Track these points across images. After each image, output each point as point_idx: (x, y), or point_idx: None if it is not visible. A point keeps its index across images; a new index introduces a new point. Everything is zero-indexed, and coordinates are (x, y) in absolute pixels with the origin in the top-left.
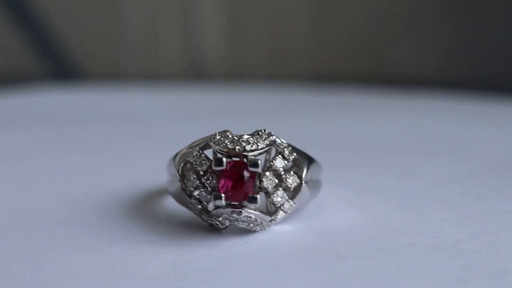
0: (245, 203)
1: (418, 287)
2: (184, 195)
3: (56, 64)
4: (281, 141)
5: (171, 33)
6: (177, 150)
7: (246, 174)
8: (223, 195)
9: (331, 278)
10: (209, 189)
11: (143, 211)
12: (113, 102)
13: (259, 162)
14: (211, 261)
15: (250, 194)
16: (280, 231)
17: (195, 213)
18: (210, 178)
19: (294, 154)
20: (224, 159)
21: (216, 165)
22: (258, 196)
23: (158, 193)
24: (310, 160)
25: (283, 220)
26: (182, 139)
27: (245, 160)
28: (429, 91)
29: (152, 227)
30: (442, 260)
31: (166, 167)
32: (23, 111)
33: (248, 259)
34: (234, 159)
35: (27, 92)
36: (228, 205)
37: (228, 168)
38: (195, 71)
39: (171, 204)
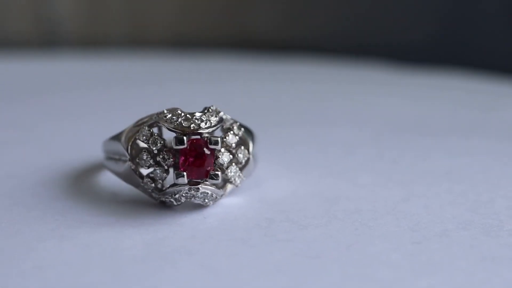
0: (207, 180)
1: (381, 251)
2: (133, 175)
3: None
4: (227, 117)
5: None
6: None
7: (206, 151)
8: (185, 173)
9: (301, 247)
10: (165, 167)
11: (84, 190)
12: None
13: (219, 139)
14: (180, 238)
15: (212, 171)
16: (230, 204)
17: (146, 192)
18: (166, 156)
19: (242, 129)
20: (185, 138)
21: (177, 144)
22: (219, 172)
23: (90, 171)
24: (252, 134)
25: (230, 193)
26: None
27: (201, 137)
28: (293, 56)
29: (101, 207)
30: (391, 224)
31: (103, 146)
32: None
33: (214, 233)
34: (193, 137)
35: None
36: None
37: (187, 146)
38: (47, 31)
39: (108, 181)
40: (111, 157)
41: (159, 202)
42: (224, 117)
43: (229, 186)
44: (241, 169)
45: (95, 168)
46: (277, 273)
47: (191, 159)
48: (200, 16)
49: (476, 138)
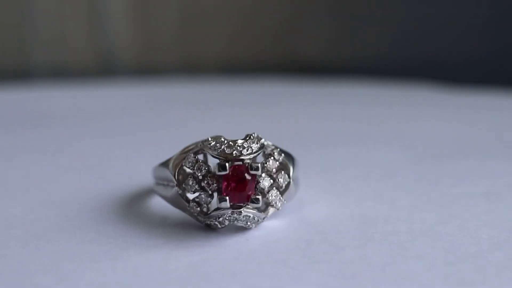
0: (248, 203)
1: (415, 271)
2: (180, 199)
3: None
4: (268, 143)
5: (78, 23)
6: None
7: (247, 177)
8: (227, 197)
9: (338, 268)
10: (210, 192)
11: (134, 214)
12: (23, 101)
13: (259, 165)
14: (224, 260)
15: (253, 196)
16: (271, 227)
17: (192, 215)
18: (210, 182)
19: (282, 154)
20: (227, 164)
21: (220, 170)
22: (260, 196)
23: (141, 196)
24: (293, 159)
25: (271, 216)
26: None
27: (243, 163)
28: (340, 78)
29: (151, 230)
30: (426, 245)
31: (152, 172)
32: None
33: (256, 255)
34: (236, 163)
35: None
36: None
37: (229, 172)
38: (104, 60)
39: (158, 206)
40: (160, 182)
41: (205, 225)
42: (265, 143)
43: (270, 210)
44: (282, 193)
45: (146, 193)
46: None
47: (233, 184)
48: (250, 41)
49: None
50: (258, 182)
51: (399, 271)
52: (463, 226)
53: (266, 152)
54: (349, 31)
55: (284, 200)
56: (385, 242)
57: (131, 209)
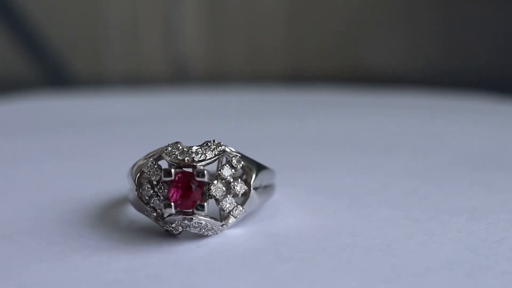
0: (193, 210)
1: (348, 286)
2: (141, 203)
3: (46, 69)
4: (231, 150)
5: (152, 34)
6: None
7: (193, 183)
8: (172, 203)
9: (267, 280)
10: (162, 197)
11: (106, 218)
12: (97, 107)
13: (205, 172)
14: (162, 266)
15: (198, 202)
16: (232, 235)
17: (152, 220)
18: (162, 187)
19: (242, 162)
20: (173, 170)
21: (165, 176)
22: (206, 203)
23: (122, 200)
24: (259, 168)
25: (236, 224)
26: (162, 143)
27: (192, 170)
28: (405, 89)
29: (112, 234)
30: (376, 261)
31: (126, 176)
32: (7, 118)
33: (196, 263)
34: (185, 169)
35: (12, 99)
36: (179, 213)
37: (177, 178)
38: (177, 70)
39: (132, 211)
40: (129, 186)
41: (165, 230)
42: (227, 150)
43: (231, 219)
44: (242, 202)
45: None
46: None
47: (179, 191)
48: (316, 51)
49: None
50: (209, 189)
51: (325, 287)
52: (426, 243)
53: (226, 160)
54: (416, 41)
55: (243, 209)
56: (334, 256)
57: (108, 213)
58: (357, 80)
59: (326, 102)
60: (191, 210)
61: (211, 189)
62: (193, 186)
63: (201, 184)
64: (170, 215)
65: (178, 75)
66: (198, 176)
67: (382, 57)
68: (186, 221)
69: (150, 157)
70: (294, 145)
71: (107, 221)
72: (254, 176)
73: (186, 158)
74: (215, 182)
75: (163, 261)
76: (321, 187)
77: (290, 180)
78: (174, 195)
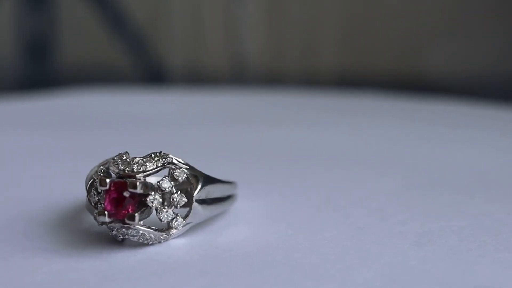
0: (126, 220)
1: None
2: (91, 207)
3: (144, 64)
4: (178, 162)
5: (214, 30)
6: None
7: (125, 194)
8: (106, 212)
9: None
10: (103, 205)
11: (72, 221)
12: (157, 103)
13: (138, 183)
14: (89, 271)
15: (129, 212)
16: (173, 245)
17: (99, 225)
18: (104, 196)
19: (185, 174)
20: (108, 180)
21: (100, 185)
22: (137, 214)
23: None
24: (206, 180)
25: (182, 234)
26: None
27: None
28: (460, 98)
29: (67, 236)
30: (291, 282)
31: None
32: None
33: (122, 271)
34: (127, 180)
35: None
36: (117, 221)
37: (112, 188)
38: (236, 64)
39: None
40: None
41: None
42: (174, 161)
43: (174, 230)
44: (185, 216)
45: None
46: None
47: (113, 201)
48: (375, 54)
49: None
50: (146, 200)
51: None
52: (350, 267)
53: (169, 171)
54: (479, 47)
55: (184, 220)
56: (253, 274)
57: (75, 215)
58: (412, 87)
59: (374, 108)
60: (123, 220)
61: (147, 200)
62: (126, 197)
63: (134, 195)
64: (104, 223)
65: (237, 70)
66: (130, 187)
67: (444, 63)
68: (124, 230)
69: (100, 166)
70: (302, 155)
71: (71, 224)
72: (198, 188)
73: (127, 169)
74: (152, 193)
75: (93, 267)
76: (291, 202)
77: (270, 192)
78: (109, 204)
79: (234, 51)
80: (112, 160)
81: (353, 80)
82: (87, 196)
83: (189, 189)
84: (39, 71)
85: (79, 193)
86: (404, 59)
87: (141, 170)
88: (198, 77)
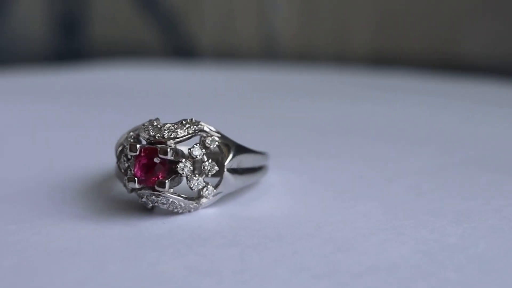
0: (155, 187)
1: (277, 277)
2: (120, 174)
3: (172, 38)
4: (210, 129)
5: (246, 11)
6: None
7: (156, 160)
8: (136, 178)
9: (203, 262)
10: (133, 171)
11: (100, 187)
12: (189, 78)
13: (168, 150)
14: (117, 237)
15: (159, 179)
16: (203, 215)
17: (128, 192)
18: (134, 162)
19: (217, 142)
20: (138, 146)
21: (130, 150)
22: (167, 181)
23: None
24: (238, 149)
25: (213, 204)
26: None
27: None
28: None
29: (95, 203)
30: (321, 254)
31: None
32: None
33: (150, 239)
34: (158, 146)
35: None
36: (147, 188)
37: (143, 154)
38: (267, 45)
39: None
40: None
41: (142, 203)
42: (205, 129)
43: (204, 200)
44: (216, 185)
45: None
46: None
47: (142, 167)
48: (409, 34)
49: None
50: (176, 167)
51: (263, 278)
52: (386, 242)
53: (201, 139)
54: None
55: (216, 189)
56: (285, 245)
57: (104, 183)
58: (449, 68)
59: (409, 87)
60: (153, 187)
61: (177, 167)
62: (156, 163)
63: (164, 162)
64: (134, 189)
65: (268, 51)
66: (161, 154)
67: (483, 45)
68: (154, 197)
69: (131, 132)
70: (331, 131)
71: (100, 191)
72: (230, 157)
73: (157, 135)
74: (183, 160)
75: (121, 234)
76: (324, 176)
77: (304, 165)
78: (139, 171)
79: (266, 31)
80: (142, 126)
81: (388, 60)
82: (117, 162)
83: (220, 158)
84: (71, 46)
85: (109, 161)
86: (441, 40)
87: (172, 136)
88: (229, 57)
